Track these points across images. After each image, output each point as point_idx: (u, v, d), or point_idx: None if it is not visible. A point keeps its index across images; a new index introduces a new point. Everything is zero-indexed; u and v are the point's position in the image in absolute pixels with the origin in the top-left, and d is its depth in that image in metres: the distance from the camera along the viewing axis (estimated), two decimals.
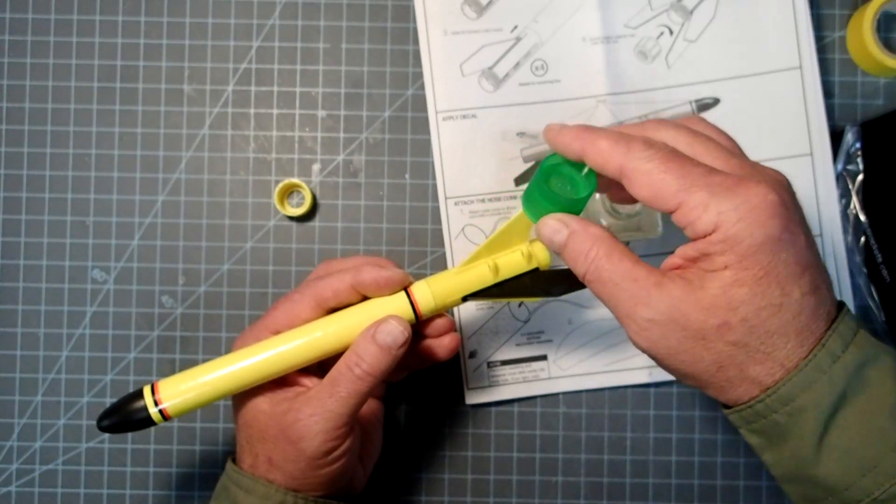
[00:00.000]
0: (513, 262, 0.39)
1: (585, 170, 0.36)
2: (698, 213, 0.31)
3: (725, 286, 0.31)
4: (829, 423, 0.31)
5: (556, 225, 0.35)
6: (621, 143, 0.33)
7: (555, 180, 0.36)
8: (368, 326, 0.38)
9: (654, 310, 0.32)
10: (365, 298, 0.40)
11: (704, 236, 0.32)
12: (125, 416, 0.38)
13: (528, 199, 0.37)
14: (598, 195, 0.46)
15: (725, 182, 0.31)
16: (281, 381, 0.40)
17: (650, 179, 0.32)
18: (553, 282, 0.40)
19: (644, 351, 0.34)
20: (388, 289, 0.39)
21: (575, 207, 0.36)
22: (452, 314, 0.50)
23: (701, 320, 0.31)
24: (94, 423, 0.49)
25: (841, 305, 0.34)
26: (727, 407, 0.34)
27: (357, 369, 0.38)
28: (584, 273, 0.34)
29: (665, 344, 0.32)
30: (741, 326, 0.31)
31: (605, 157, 0.34)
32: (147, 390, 0.38)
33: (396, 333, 0.38)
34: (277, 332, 0.39)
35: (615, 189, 0.38)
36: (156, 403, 0.38)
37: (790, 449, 0.32)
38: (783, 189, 0.32)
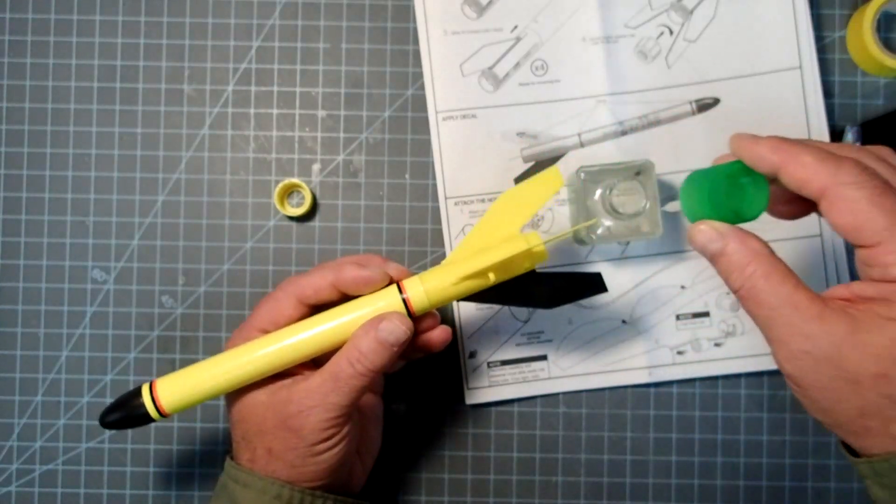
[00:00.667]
0: (513, 264, 0.39)
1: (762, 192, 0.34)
2: (895, 259, 0.30)
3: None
4: None
5: (711, 233, 0.34)
6: (830, 161, 0.31)
7: (727, 187, 0.35)
8: (370, 321, 0.38)
9: (813, 343, 0.31)
10: (345, 297, 0.40)
11: (893, 282, 0.30)
12: (125, 413, 0.39)
13: (690, 194, 0.36)
14: (597, 194, 0.46)
15: None
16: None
17: (855, 208, 0.31)
18: (555, 287, 0.40)
19: (788, 377, 0.32)
20: (368, 288, 0.39)
21: (735, 222, 0.34)
22: (452, 314, 0.50)
23: (859, 364, 0.30)
24: (95, 423, 0.50)
25: None
26: (853, 453, 0.33)
27: (358, 365, 0.38)
28: (738, 288, 0.33)
29: (814, 377, 0.31)
30: None
31: (809, 173, 0.32)
32: (145, 388, 0.39)
33: (399, 332, 0.38)
34: (264, 331, 0.40)
35: (780, 204, 0.36)
36: (154, 401, 0.39)
37: None
38: None
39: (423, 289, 0.39)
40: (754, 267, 0.32)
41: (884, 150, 0.35)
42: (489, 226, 0.40)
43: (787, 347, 0.32)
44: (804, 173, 0.32)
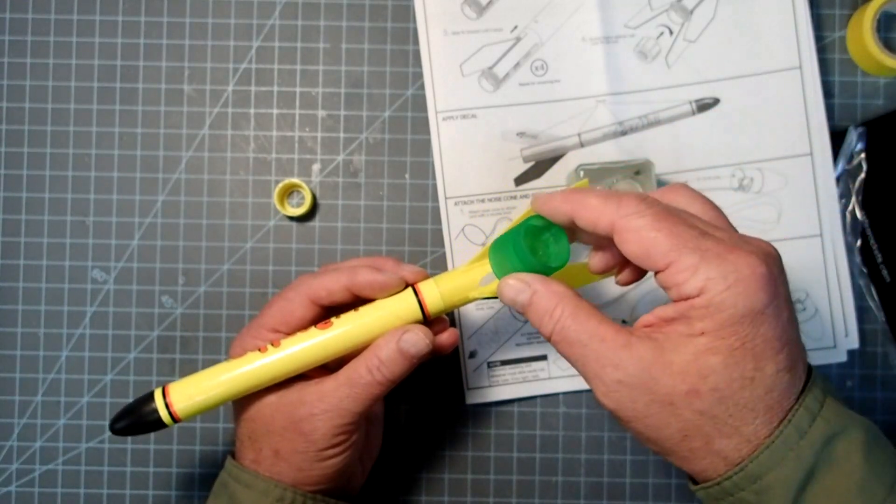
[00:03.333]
0: None
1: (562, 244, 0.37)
2: (686, 277, 0.31)
3: (699, 353, 0.31)
4: (797, 501, 0.31)
5: (518, 285, 0.35)
6: (612, 199, 0.33)
7: (531, 242, 0.36)
8: (392, 332, 0.38)
9: (623, 371, 0.32)
10: (358, 298, 0.40)
11: (687, 299, 0.31)
12: (137, 419, 0.38)
13: (497, 252, 0.37)
14: None
15: (717, 248, 0.31)
16: None
17: (640, 236, 0.32)
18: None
19: (611, 412, 0.33)
20: (383, 293, 0.39)
21: (543, 273, 0.36)
22: (451, 313, 0.50)
23: (670, 385, 0.31)
24: (95, 423, 0.50)
25: (809, 371, 0.33)
26: (694, 481, 0.34)
27: (378, 374, 0.38)
28: (549, 333, 0.34)
29: (632, 406, 0.32)
30: (710, 395, 0.31)
31: (597, 213, 0.33)
32: (158, 393, 0.38)
33: (421, 345, 0.38)
34: (274, 331, 0.39)
35: (605, 254, 0.37)
36: (167, 406, 0.38)
37: None
38: (773, 262, 0.32)
39: (439, 292, 0.39)
40: (561, 308, 0.34)
41: (675, 188, 0.36)
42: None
43: (602, 381, 0.32)
44: (593, 214, 0.34)
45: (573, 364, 0.34)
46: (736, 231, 0.34)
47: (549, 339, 0.35)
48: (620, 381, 0.32)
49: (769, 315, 0.31)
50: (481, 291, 0.39)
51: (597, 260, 0.38)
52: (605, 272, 0.38)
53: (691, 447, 0.32)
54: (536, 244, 0.37)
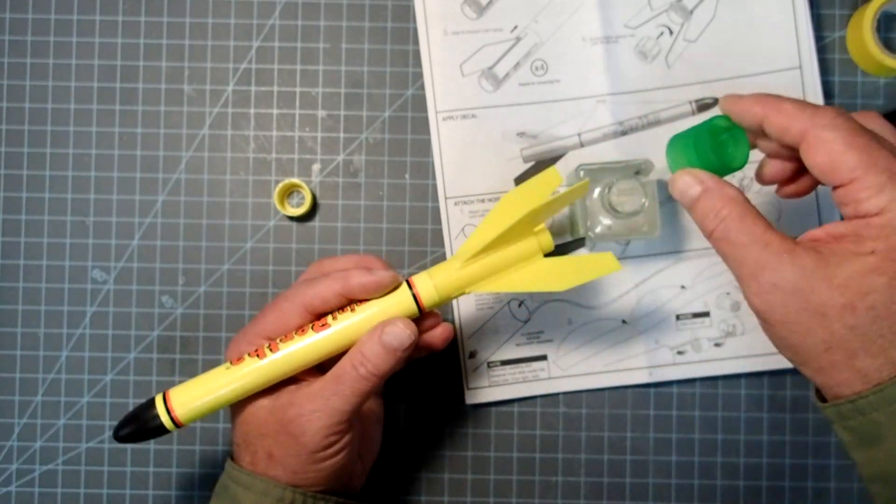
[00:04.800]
0: (520, 249, 0.39)
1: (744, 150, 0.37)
2: (869, 195, 0.31)
3: (864, 270, 0.31)
4: None
5: (690, 180, 0.36)
6: (808, 108, 0.33)
7: (713, 141, 0.37)
8: (375, 326, 0.38)
9: (781, 276, 0.32)
10: (353, 300, 0.40)
11: (864, 217, 0.31)
12: (140, 426, 0.38)
13: (675, 147, 0.38)
14: (596, 192, 0.46)
15: None
16: None
17: (831, 148, 0.32)
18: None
19: (757, 312, 0.33)
20: (377, 293, 0.39)
21: (720, 173, 0.36)
22: (451, 313, 0.50)
23: (826, 296, 0.31)
24: (95, 422, 0.50)
25: None
26: (821, 398, 0.34)
27: (362, 369, 0.38)
28: (711, 230, 0.34)
29: (782, 311, 0.32)
30: (866, 313, 0.31)
31: (790, 119, 0.33)
32: (159, 399, 0.39)
33: (403, 337, 0.38)
34: (269, 340, 0.39)
35: (778, 163, 0.38)
36: (168, 411, 0.38)
37: (885, 450, 0.32)
38: None
39: (433, 283, 0.39)
40: (728, 210, 0.34)
41: (869, 115, 0.36)
42: (491, 226, 0.40)
43: (757, 281, 0.33)
44: (784, 120, 0.34)
45: (728, 263, 0.34)
46: None
47: (708, 236, 0.35)
48: (776, 284, 0.32)
49: None
50: (478, 285, 0.39)
51: (769, 169, 0.38)
52: (771, 182, 0.39)
53: (832, 359, 0.32)
54: (716, 142, 0.37)
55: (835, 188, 0.33)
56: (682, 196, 0.36)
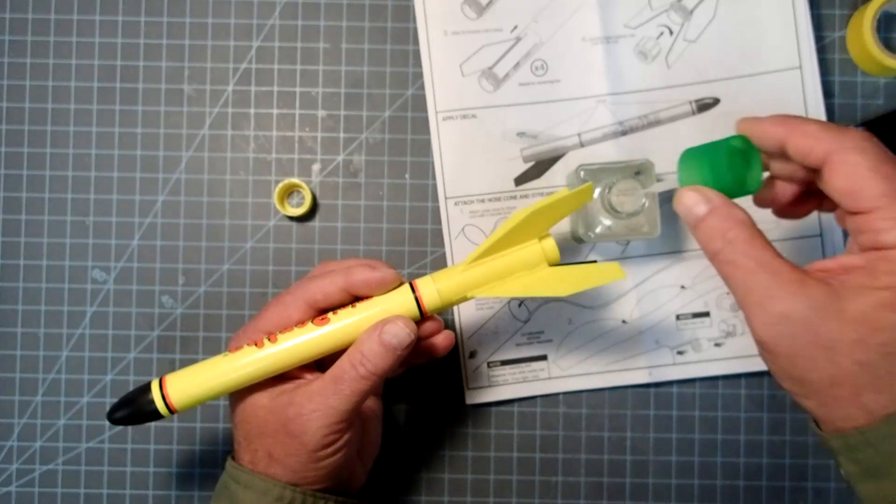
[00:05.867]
0: (524, 257, 0.39)
1: (763, 174, 0.36)
2: (890, 226, 0.30)
3: (878, 305, 0.30)
4: None
5: (698, 197, 0.34)
6: (834, 129, 0.32)
7: (727, 160, 0.36)
8: (374, 325, 0.38)
9: (791, 306, 0.31)
10: (356, 298, 0.40)
11: (881, 248, 0.30)
12: (134, 409, 0.39)
13: (689, 162, 0.37)
14: (596, 193, 0.46)
15: None
16: (280, 375, 0.40)
17: (855, 172, 0.31)
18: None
19: (761, 343, 0.32)
20: (380, 289, 0.39)
21: (730, 195, 0.35)
22: (451, 313, 0.50)
23: (837, 331, 0.30)
24: (95, 422, 0.50)
25: None
26: (821, 429, 0.33)
27: (361, 368, 0.38)
28: (717, 251, 0.33)
29: (789, 343, 0.31)
30: (878, 350, 0.30)
31: (814, 140, 0.32)
32: (155, 384, 0.39)
33: (402, 335, 0.38)
34: (271, 335, 0.39)
35: (790, 186, 0.37)
36: (163, 397, 0.38)
37: (893, 484, 0.31)
38: None
39: (436, 288, 0.39)
40: (736, 232, 0.33)
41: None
42: (510, 233, 0.39)
43: (765, 310, 0.31)
44: (808, 141, 0.33)
45: (732, 287, 0.33)
46: None
47: (713, 257, 0.34)
48: (785, 315, 0.31)
49: None
50: (481, 290, 0.39)
51: (781, 190, 0.37)
52: (769, 206, 0.38)
53: (836, 394, 0.31)
54: (732, 163, 0.36)
55: (852, 213, 0.32)
56: (687, 213, 0.35)
